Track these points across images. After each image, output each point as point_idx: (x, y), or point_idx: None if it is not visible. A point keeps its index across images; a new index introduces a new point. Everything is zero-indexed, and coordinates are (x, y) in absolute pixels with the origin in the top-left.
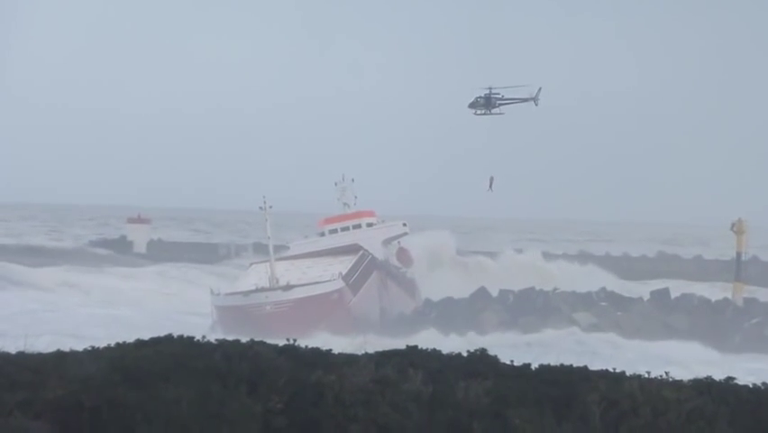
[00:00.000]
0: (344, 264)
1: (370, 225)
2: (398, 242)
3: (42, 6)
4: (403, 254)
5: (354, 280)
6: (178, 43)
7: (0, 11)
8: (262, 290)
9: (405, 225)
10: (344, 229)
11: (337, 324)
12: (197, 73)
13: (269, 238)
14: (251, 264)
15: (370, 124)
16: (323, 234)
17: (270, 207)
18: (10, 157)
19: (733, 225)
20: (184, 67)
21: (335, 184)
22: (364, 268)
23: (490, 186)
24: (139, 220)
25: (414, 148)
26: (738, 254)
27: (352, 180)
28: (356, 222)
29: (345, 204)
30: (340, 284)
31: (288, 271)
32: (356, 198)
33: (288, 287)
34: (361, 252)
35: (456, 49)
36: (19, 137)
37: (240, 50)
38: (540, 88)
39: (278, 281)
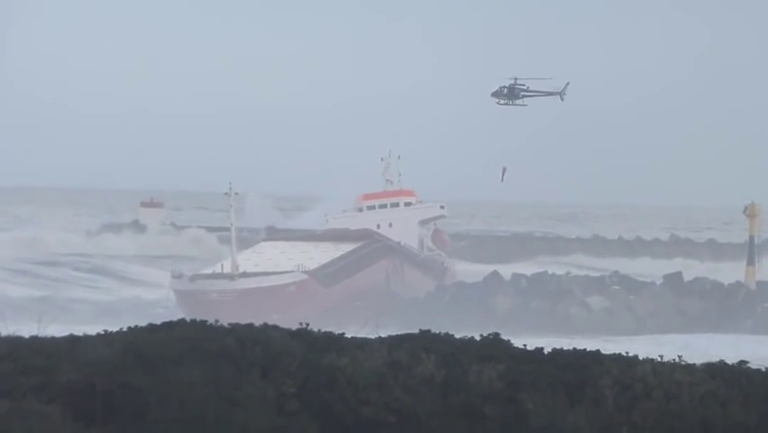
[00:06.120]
0: (341, 251)
1: (408, 204)
2: (434, 223)
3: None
4: (438, 237)
5: (332, 272)
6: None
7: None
8: (210, 276)
9: (442, 207)
10: (382, 206)
11: (296, 318)
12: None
13: (231, 225)
14: (259, 242)
15: (425, 106)
16: (360, 210)
17: (236, 193)
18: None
19: (746, 208)
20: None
21: (381, 159)
22: (361, 258)
23: (502, 177)
24: (152, 204)
25: (467, 133)
26: (751, 238)
27: (398, 157)
28: (394, 200)
29: (388, 180)
30: (299, 276)
31: (283, 254)
32: (400, 175)
33: (234, 276)
34: (367, 239)
35: (511, 33)
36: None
37: (287, 38)
38: (567, 83)
39: (237, 269)
